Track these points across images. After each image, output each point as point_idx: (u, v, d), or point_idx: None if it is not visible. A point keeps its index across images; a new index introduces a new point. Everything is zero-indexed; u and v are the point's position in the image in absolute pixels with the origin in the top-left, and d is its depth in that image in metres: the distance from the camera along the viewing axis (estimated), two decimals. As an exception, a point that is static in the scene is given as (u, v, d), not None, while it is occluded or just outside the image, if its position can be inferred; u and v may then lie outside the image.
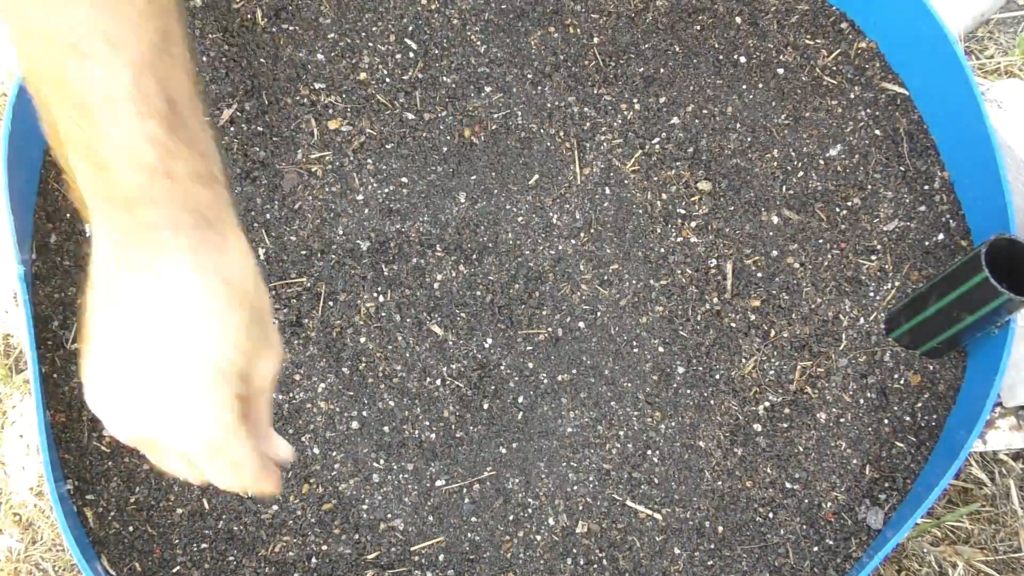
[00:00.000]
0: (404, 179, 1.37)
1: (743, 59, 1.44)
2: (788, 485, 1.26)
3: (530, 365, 1.30)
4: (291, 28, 1.42)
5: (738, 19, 1.46)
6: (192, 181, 0.51)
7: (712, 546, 1.23)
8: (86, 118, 0.49)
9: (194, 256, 0.52)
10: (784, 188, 1.38)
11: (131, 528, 1.20)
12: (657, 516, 1.24)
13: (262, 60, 1.40)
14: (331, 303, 1.30)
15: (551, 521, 1.24)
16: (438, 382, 1.29)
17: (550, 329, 1.32)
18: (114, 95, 0.48)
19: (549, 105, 1.41)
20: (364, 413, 1.27)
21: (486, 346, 1.30)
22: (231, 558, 1.20)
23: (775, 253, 1.35)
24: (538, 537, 1.23)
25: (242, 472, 0.58)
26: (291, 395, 1.27)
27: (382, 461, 1.25)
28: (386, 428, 1.26)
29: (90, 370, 0.56)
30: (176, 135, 0.50)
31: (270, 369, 0.59)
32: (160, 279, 0.52)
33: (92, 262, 0.54)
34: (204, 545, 1.20)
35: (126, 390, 0.55)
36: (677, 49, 1.44)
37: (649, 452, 1.27)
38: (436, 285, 1.32)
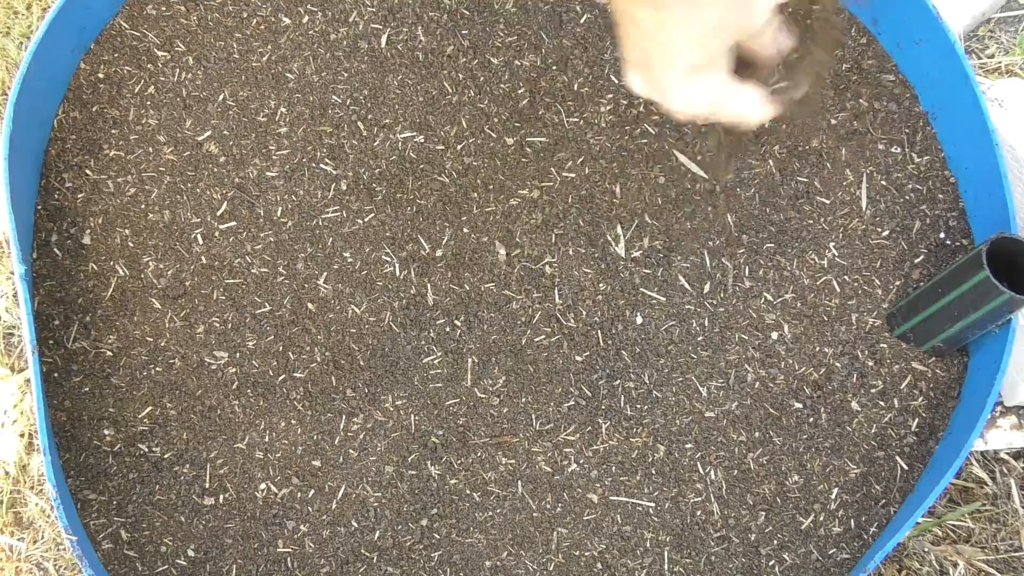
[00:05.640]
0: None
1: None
2: (787, 484, 1.26)
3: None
4: (291, 27, 1.42)
5: None
6: None
7: (712, 546, 1.23)
8: None
9: None
10: (783, 189, 1.38)
11: (132, 527, 1.20)
12: (651, 508, 1.24)
13: (263, 59, 1.40)
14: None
15: (552, 517, 1.24)
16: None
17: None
18: None
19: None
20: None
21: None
22: (233, 556, 1.20)
23: (771, 246, 1.35)
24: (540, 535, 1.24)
25: None
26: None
27: (384, 458, 1.25)
28: (389, 425, 1.27)
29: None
30: None
31: None
32: None
33: None
34: (206, 544, 1.20)
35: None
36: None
37: (650, 453, 1.27)
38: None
